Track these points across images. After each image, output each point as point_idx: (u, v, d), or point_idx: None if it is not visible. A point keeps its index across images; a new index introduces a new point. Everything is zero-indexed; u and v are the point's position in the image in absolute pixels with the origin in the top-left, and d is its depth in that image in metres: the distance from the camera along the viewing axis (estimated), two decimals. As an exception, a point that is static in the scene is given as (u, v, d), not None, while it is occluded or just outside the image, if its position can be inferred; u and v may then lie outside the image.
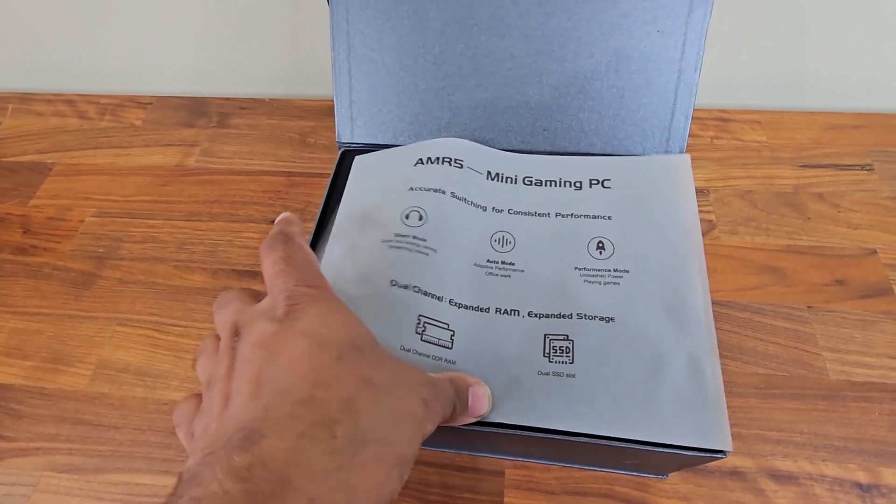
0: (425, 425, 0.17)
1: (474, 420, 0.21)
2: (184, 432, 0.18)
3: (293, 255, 0.19)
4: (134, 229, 0.43)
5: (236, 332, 0.17)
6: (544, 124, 0.31)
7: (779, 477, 0.30)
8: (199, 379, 0.19)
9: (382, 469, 0.15)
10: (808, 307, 0.36)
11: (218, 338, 0.19)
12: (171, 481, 0.20)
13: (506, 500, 0.30)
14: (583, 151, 0.32)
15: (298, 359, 0.15)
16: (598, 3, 0.28)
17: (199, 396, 0.18)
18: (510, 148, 0.32)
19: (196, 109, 0.52)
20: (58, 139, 0.51)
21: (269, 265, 0.19)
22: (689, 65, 0.29)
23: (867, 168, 0.43)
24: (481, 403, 0.21)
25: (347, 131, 0.33)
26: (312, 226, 0.30)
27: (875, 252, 0.38)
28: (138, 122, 0.52)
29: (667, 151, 0.31)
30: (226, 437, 0.14)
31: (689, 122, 0.30)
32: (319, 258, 0.27)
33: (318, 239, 0.31)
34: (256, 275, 0.40)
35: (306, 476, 0.13)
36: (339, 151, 0.34)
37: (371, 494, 0.14)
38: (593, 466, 0.30)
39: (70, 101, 0.54)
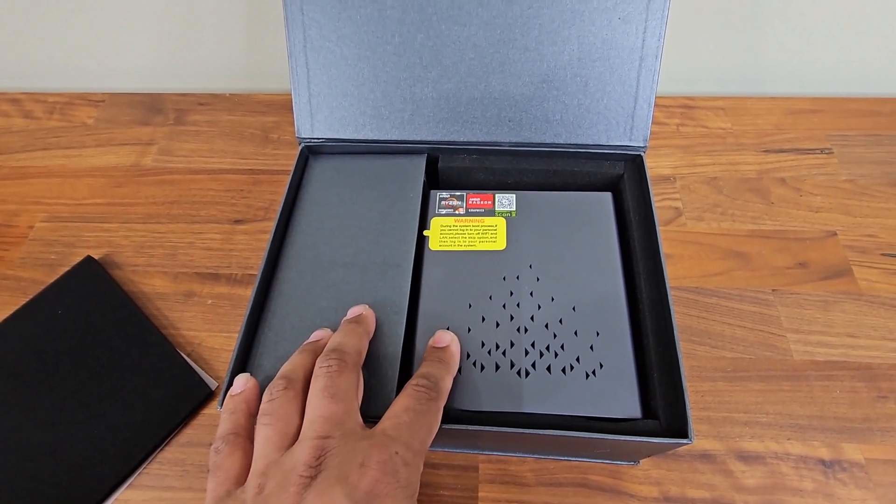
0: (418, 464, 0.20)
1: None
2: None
3: (336, 384, 0.21)
4: (88, 234, 0.41)
5: (260, 490, 0.19)
6: (509, 115, 0.31)
7: (746, 457, 0.30)
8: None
9: None
10: (773, 290, 0.36)
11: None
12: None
13: (480, 494, 0.30)
14: (548, 142, 0.31)
15: None
16: (558, -10, 0.28)
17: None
18: (475, 140, 0.32)
19: (152, 106, 0.50)
20: (1, 140, 0.48)
21: (315, 389, 0.21)
22: (651, 52, 0.29)
23: (826, 151, 0.44)
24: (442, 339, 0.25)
25: (307, 126, 0.32)
26: (273, 226, 0.29)
27: (835, 234, 0.39)
28: (90, 121, 0.49)
29: (630, 139, 0.31)
30: None
31: (652, 109, 0.30)
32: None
33: (281, 241, 0.29)
34: (220, 277, 0.38)
35: None
36: (300, 147, 0.33)
37: None
38: (567, 457, 0.30)
39: (15, 100, 0.51)
